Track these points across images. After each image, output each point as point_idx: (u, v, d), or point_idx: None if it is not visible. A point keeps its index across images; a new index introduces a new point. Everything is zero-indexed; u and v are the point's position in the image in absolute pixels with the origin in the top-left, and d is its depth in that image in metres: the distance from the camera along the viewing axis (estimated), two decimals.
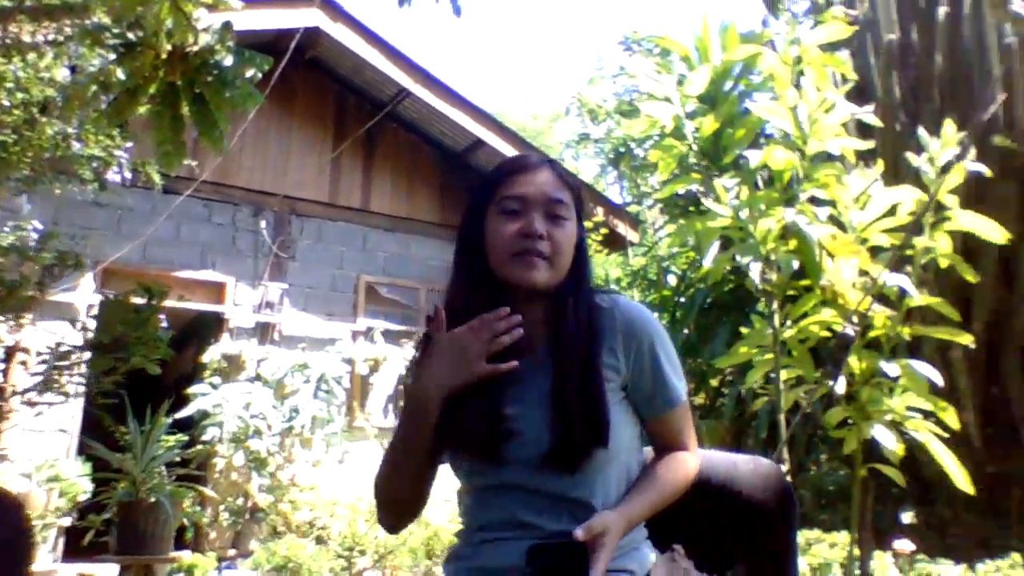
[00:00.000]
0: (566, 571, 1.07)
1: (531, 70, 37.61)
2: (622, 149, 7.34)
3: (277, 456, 5.69)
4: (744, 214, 2.95)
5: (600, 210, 7.20)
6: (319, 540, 4.45)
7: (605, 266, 6.10)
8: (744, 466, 1.39)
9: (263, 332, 6.48)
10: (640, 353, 1.22)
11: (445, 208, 7.45)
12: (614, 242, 6.92)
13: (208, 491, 4.50)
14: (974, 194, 3.87)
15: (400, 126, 7.31)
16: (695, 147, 3.35)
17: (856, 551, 2.73)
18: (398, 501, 1.26)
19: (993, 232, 2.90)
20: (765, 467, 1.41)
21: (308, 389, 6.02)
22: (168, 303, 3.35)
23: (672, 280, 5.71)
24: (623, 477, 1.21)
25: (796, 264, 2.81)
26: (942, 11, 4.95)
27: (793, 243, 2.88)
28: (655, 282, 6.15)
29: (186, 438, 4.21)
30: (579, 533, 1.07)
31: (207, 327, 6.55)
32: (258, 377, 6.04)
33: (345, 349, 6.52)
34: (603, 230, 5.74)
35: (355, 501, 4.59)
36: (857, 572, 2.86)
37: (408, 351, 6.75)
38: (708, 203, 3.00)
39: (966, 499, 4.09)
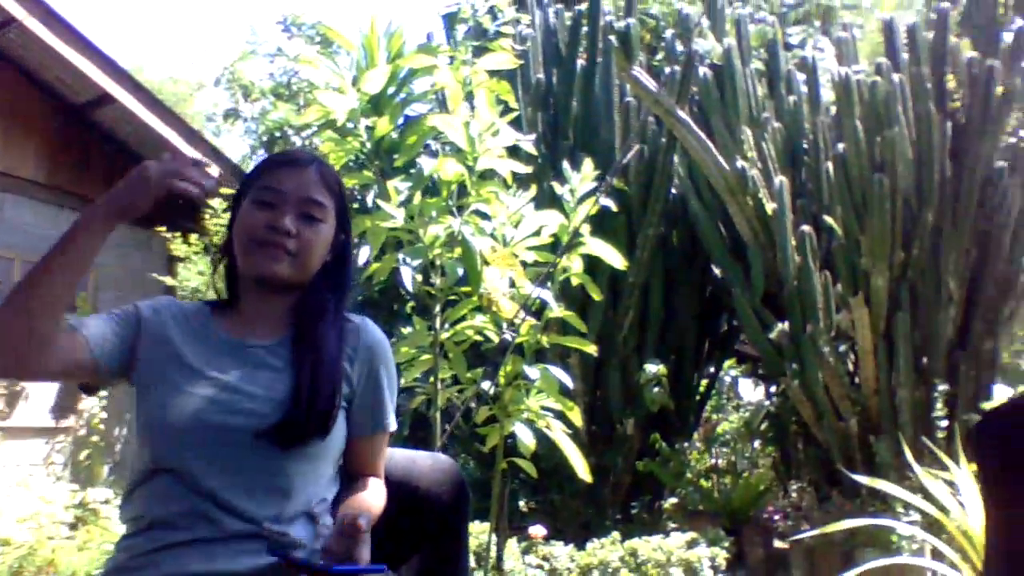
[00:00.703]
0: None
1: (174, 30, 33.98)
2: (277, 134, 7.03)
3: None
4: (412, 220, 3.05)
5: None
6: None
7: None
8: (423, 462, 1.46)
9: None
10: (371, 373, 1.27)
11: (57, 168, 6.37)
12: None
13: None
14: (598, 224, 4.52)
15: (4, 61, 6.06)
16: (368, 145, 3.37)
17: (494, 538, 3.00)
18: (40, 301, 1.15)
19: (614, 258, 3.41)
20: (443, 462, 1.49)
21: None
22: None
23: None
24: (322, 483, 1.21)
25: (460, 271, 2.98)
26: (579, 63, 5.70)
27: (458, 251, 3.05)
28: None
29: None
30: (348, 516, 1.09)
31: None
32: None
33: None
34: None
35: None
36: (493, 556, 3.14)
37: None
38: (381, 203, 3.04)
39: (572, 488, 4.74)
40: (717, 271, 5.53)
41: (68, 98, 6.31)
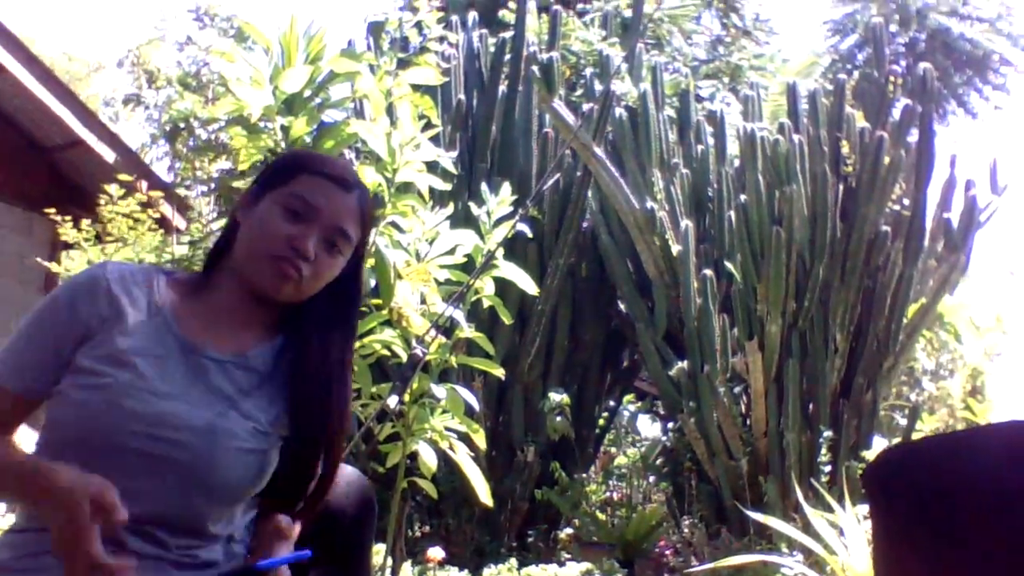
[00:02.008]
0: None
1: (71, 3, 32.19)
2: (182, 125, 6.71)
3: None
4: None
5: (144, 184, 6.44)
6: None
7: (139, 250, 5.46)
8: None
9: None
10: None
11: None
12: (158, 225, 6.23)
13: None
14: (511, 248, 4.51)
15: None
16: (283, 145, 3.25)
17: (390, 560, 2.88)
18: None
19: (527, 283, 3.39)
20: (350, 475, 1.42)
21: None
22: None
23: None
24: (245, 511, 1.09)
25: (373, 282, 2.89)
26: (501, 89, 5.74)
27: (371, 262, 2.96)
28: None
29: None
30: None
31: None
32: None
33: None
34: (149, 211, 5.16)
35: None
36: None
37: None
38: None
39: (468, 512, 4.65)
40: (622, 306, 5.63)
41: None
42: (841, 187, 5.26)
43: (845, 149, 5.43)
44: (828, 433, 4.77)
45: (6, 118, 6.17)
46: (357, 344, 3.00)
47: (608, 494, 5.99)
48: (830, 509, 3.34)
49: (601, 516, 5.28)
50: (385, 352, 3.00)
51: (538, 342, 5.15)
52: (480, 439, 2.94)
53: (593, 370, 5.62)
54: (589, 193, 5.52)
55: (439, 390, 2.92)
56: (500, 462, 4.89)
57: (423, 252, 3.18)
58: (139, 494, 0.95)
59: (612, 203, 5.36)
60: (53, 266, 5.88)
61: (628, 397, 6.81)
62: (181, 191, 6.81)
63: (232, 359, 1.07)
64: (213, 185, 7.01)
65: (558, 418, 4.57)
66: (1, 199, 6.25)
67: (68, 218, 5.12)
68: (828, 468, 4.64)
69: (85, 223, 5.11)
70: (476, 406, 2.97)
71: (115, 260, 1.10)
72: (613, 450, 6.64)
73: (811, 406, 5.04)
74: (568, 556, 4.34)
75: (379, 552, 3.65)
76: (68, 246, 6.64)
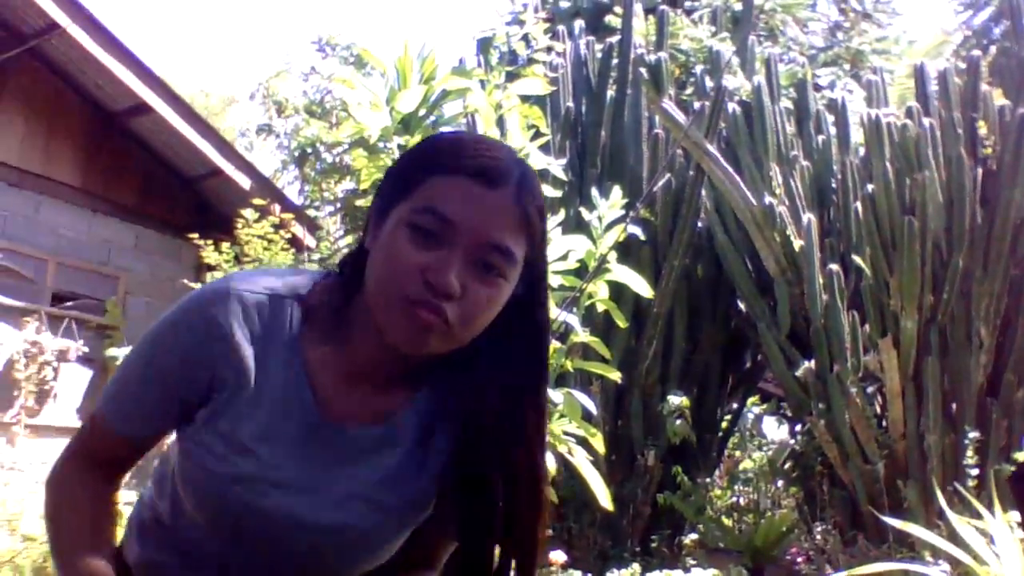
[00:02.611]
0: None
1: (204, 43, 34.79)
2: (309, 150, 7.12)
3: None
4: None
5: (277, 207, 6.88)
6: None
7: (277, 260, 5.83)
8: None
9: None
10: None
11: (90, 173, 6.50)
12: (290, 244, 6.65)
13: None
14: (624, 251, 4.51)
15: (44, 66, 6.21)
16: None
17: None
18: None
19: (641, 286, 3.38)
20: None
21: None
22: None
23: None
24: None
25: None
26: (609, 94, 5.74)
27: None
28: None
29: None
30: None
31: None
32: None
33: None
34: (281, 232, 5.53)
35: None
36: None
37: (27, 333, 5.70)
38: None
39: (590, 516, 4.66)
40: (742, 305, 5.47)
41: (106, 105, 6.46)
42: (980, 171, 4.90)
43: (983, 130, 5.05)
44: (974, 434, 4.44)
45: (155, 154, 6.77)
46: None
47: (734, 499, 5.83)
48: (978, 516, 3.12)
49: (727, 522, 5.14)
50: None
51: (655, 345, 5.09)
52: (599, 443, 2.96)
53: (713, 372, 5.49)
54: (703, 192, 5.41)
55: (556, 395, 2.96)
56: (620, 466, 4.86)
57: None
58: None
59: (728, 201, 5.23)
60: (197, 287, 6.40)
61: (752, 399, 6.61)
62: (311, 212, 7.22)
63: (377, 431, 0.87)
64: (339, 205, 7.38)
65: (678, 421, 4.50)
66: (154, 227, 6.85)
67: (210, 242, 5.54)
68: (975, 472, 4.32)
69: (225, 246, 5.52)
70: (593, 410, 2.99)
71: (244, 274, 0.88)
72: (738, 454, 6.45)
73: (954, 406, 4.71)
74: (693, 562, 4.26)
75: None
76: (211, 268, 7.20)
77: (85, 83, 6.24)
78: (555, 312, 3.11)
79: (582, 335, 3.12)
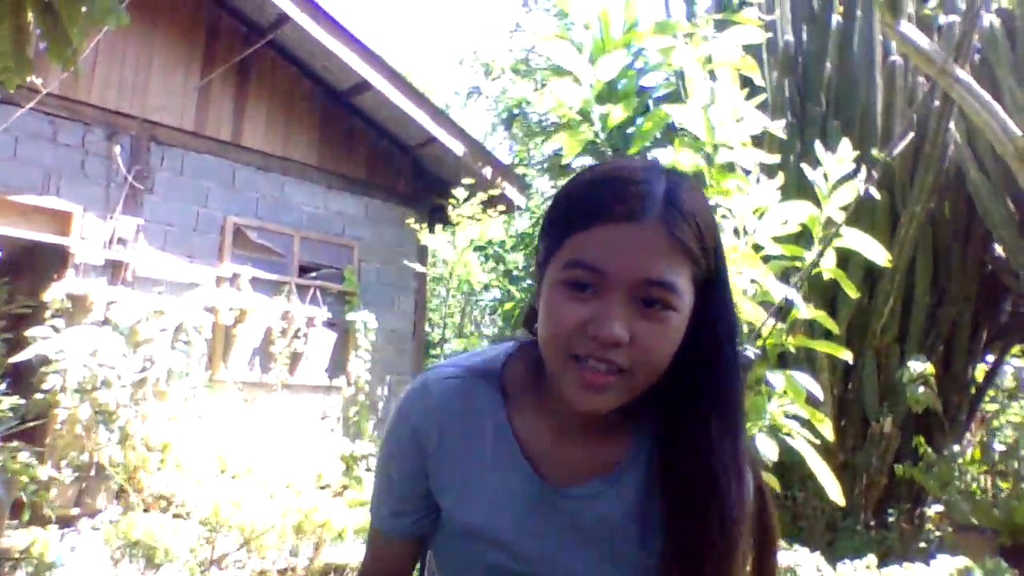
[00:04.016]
0: None
1: (412, 13, 36.22)
2: (516, 111, 7.21)
3: (128, 409, 5.28)
4: None
5: (488, 170, 7.08)
6: (177, 516, 4.18)
7: (487, 229, 6.03)
8: None
9: (114, 271, 5.93)
10: None
11: (324, 151, 7.07)
12: (501, 204, 6.85)
13: (54, 473, 4.11)
14: (854, 206, 4.09)
15: (278, 55, 6.79)
16: (602, 135, 3.31)
17: None
18: None
19: (876, 252, 3.05)
20: None
21: (164, 338, 5.60)
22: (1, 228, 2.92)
23: None
24: None
25: None
26: (835, 18, 5.13)
27: None
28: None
29: (20, 400, 3.79)
30: None
31: (47, 260, 5.91)
32: (107, 322, 5.54)
33: (207, 296, 6.10)
34: (491, 191, 5.68)
35: (216, 469, 4.34)
36: None
37: (279, 303, 6.46)
38: None
39: (815, 485, 4.42)
40: (999, 250, 4.79)
41: (333, 86, 6.94)
42: None
43: None
44: None
45: (377, 128, 7.21)
46: None
47: (990, 468, 5.18)
48: None
49: (978, 493, 4.60)
50: None
51: (892, 301, 4.61)
52: (827, 429, 2.76)
53: (963, 327, 4.88)
54: (951, 125, 4.74)
55: (776, 377, 2.79)
56: (851, 433, 4.52)
57: (751, 229, 3.04)
58: None
59: (983, 132, 4.54)
60: (417, 267, 6.82)
61: (1015, 349, 5.82)
62: (520, 170, 7.34)
63: (599, 489, 0.86)
64: (546, 164, 7.44)
65: (920, 389, 4.07)
66: (380, 198, 7.36)
67: (424, 225, 5.78)
68: None
69: (439, 228, 5.74)
70: (819, 394, 2.78)
71: (438, 374, 0.89)
72: (993, 409, 5.70)
73: None
74: (938, 535, 3.88)
75: None
76: (432, 226, 7.62)
77: (314, 67, 6.75)
78: (774, 286, 2.91)
79: (804, 312, 2.89)
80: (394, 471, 0.92)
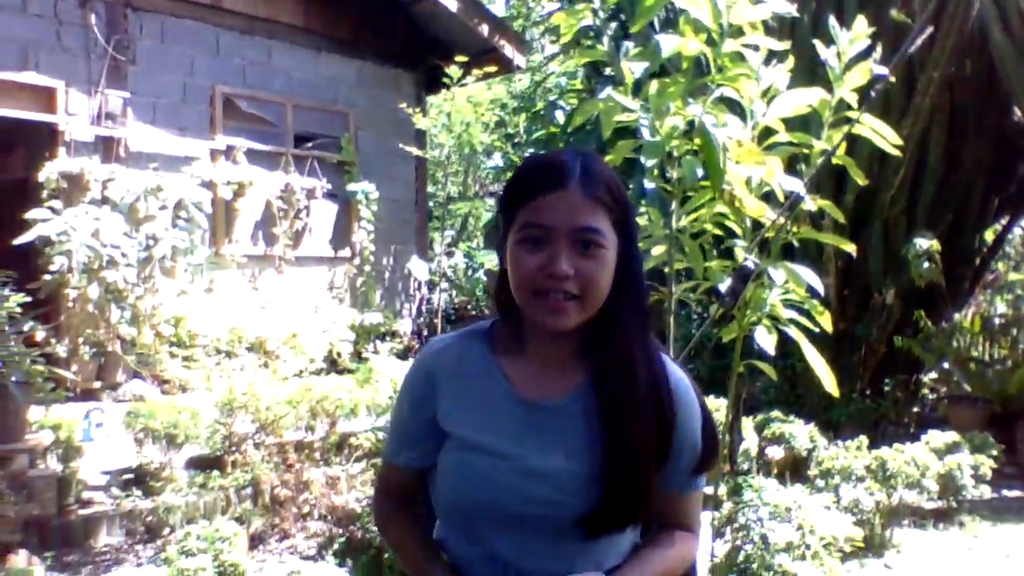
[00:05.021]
0: None
1: None
2: None
3: (137, 287, 5.35)
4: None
5: (484, 28, 6.69)
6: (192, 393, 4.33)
7: (487, 87, 5.78)
8: None
9: (106, 148, 5.80)
10: (684, 423, 1.12)
11: (311, 12, 6.68)
12: (498, 63, 6.53)
13: (67, 373, 4.21)
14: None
15: None
16: (601, 14, 3.10)
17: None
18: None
19: (888, 140, 2.91)
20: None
21: (165, 215, 5.56)
22: None
23: (560, 117, 5.49)
24: (625, 543, 1.15)
25: (700, 171, 2.73)
26: None
27: (697, 142, 2.78)
28: (542, 116, 5.91)
29: (28, 298, 3.83)
30: None
31: (36, 139, 5.77)
32: (105, 200, 5.48)
33: (204, 170, 5.99)
34: (486, 68, 5.39)
35: (229, 343, 4.44)
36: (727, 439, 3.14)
37: (278, 176, 6.34)
38: (612, 94, 2.81)
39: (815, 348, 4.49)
40: (1020, 113, 4.59)
41: None
42: None
43: None
44: None
45: None
46: (688, 219, 2.93)
47: (989, 332, 5.18)
48: None
49: (974, 367, 4.67)
50: (718, 231, 2.88)
51: (903, 171, 4.48)
52: (826, 321, 2.75)
53: (974, 194, 4.77)
54: None
55: (777, 273, 2.75)
56: (853, 303, 4.52)
57: (759, 113, 2.89)
58: (512, 549, 1.08)
59: None
60: (418, 119, 6.57)
61: None
62: (517, 25, 6.92)
63: (563, 402, 1.10)
64: (545, 17, 7.00)
65: (925, 264, 4.03)
66: (372, 60, 7.02)
67: (418, 110, 5.50)
68: None
69: (433, 112, 5.48)
70: (819, 287, 2.75)
71: (442, 338, 1.24)
72: (1000, 280, 5.64)
73: None
74: (930, 408, 3.99)
75: (718, 408, 3.77)
76: (431, 91, 7.32)
77: None
78: (781, 177, 2.81)
79: (810, 205, 2.81)
80: (406, 406, 1.18)
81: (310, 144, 6.75)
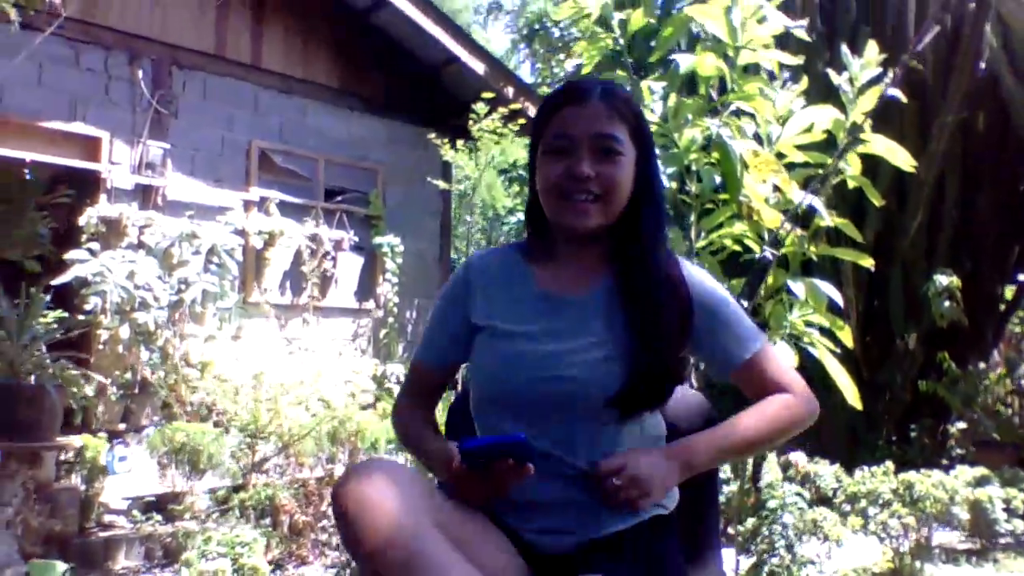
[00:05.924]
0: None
1: None
2: (536, 27, 7.03)
3: (167, 330, 5.45)
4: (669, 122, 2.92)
5: (510, 90, 6.97)
6: (217, 425, 4.36)
7: (510, 150, 5.98)
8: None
9: (144, 196, 6.02)
10: (709, 311, 1.21)
11: (345, 74, 7.00)
12: (521, 119, 6.76)
13: (99, 377, 4.28)
14: (882, 113, 3.99)
15: None
16: (621, 42, 3.26)
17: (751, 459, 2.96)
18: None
19: (902, 159, 3.00)
20: (691, 396, 1.46)
21: (198, 261, 5.72)
22: (34, 155, 2.98)
23: None
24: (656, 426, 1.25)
25: (718, 179, 2.82)
26: None
27: (715, 155, 2.88)
28: None
29: (65, 314, 3.94)
30: (602, 466, 1.13)
31: (80, 186, 6.02)
32: (141, 245, 5.66)
33: (237, 219, 6.19)
34: (512, 105, 5.59)
35: (254, 384, 4.49)
36: (749, 471, 3.10)
37: (307, 227, 6.53)
38: None
39: (839, 398, 4.47)
40: None
41: (350, 4, 6.81)
42: None
43: None
44: None
45: (399, 48, 7.10)
46: (705, 241, 3.00)
47: (1016, 385, 5.12)
48: None
49: (1003, 411, 4.59)
50: (737, 247, 2.94)
51: (920, 214, 4.54)
52: (846, 335, 2.77)
53: (992, 242, 4.80)
54: (987, 28, 4.56)
55: (797, 286, 2.79)
56: (875, 349, 4.51)
57: (774, 135, 2.99)
58: (546, 438, 1.14)
59: (1021, 36, 4.37)
60: (442, 183, 6.80)
61: None
62: (544, 90, 7.21)
63: (588, 296, 1.21)
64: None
65: (946, 303, 4.03)
66: (401, 120, 7.31)
67: (446, 140, 5.72)
68: None
69: (460, 143, 5.70)
70: (840, 301, 2.78)
71: (481, 251, 1.37)
72: (1020, 330, 5.64)
73: None
74: (960, 453, 3.91)
75: None
76: (457, 139, 7.56)
77: None
78: (797, 195, 2.89)
79: (827, 219, 2.87)
80: (442, 304, 1.30)
81: (339, 198, 6.96)
